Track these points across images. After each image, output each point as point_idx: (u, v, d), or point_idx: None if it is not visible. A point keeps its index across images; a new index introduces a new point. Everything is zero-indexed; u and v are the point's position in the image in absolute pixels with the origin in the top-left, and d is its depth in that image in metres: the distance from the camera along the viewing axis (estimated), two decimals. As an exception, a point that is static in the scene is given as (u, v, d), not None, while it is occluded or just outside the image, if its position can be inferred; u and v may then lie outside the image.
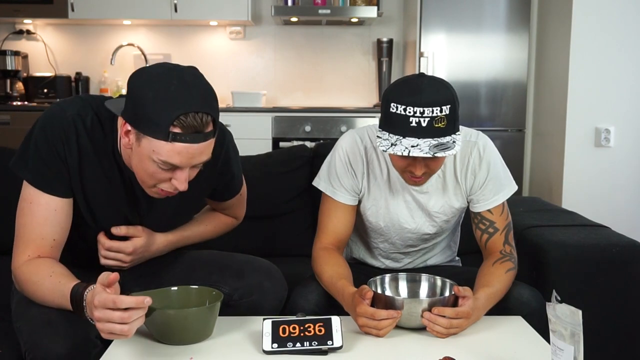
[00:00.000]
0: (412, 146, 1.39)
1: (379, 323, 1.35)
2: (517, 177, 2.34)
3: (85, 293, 1.24)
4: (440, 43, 4.05)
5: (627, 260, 1.91)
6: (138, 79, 1.29)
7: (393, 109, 1.42)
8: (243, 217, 1.80)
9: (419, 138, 1.39)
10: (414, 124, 1.39)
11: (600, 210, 3.41)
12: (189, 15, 4.28)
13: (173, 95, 1.24)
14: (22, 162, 1.39)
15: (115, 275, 1.19)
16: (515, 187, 1.66)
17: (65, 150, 1.38)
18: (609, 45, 3.51)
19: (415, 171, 1.48)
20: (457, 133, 1.44)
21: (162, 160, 1.28)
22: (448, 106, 1.41)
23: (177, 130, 1.25)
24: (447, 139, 1.41)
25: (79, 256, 1.52)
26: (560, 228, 2.08)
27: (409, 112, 1.40)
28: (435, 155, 1.38)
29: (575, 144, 3.59)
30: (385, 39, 4.53)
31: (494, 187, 1.62)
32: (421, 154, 1.38)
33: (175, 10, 4.23)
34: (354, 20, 4.50)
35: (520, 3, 4.02)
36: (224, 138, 1.56)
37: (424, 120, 1.39)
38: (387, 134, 1.43)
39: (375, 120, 4.16)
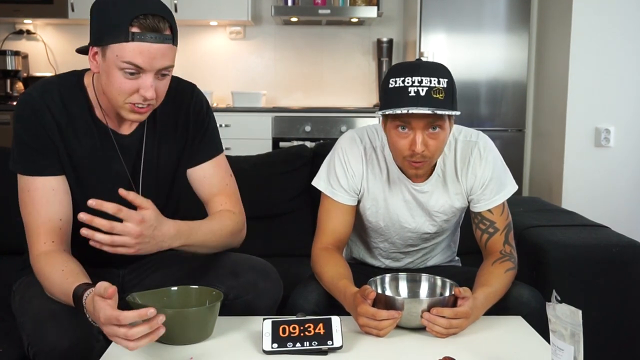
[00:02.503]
0: (412, 107, 1.42)
1: (379, 323, 1.35)
2: (517, 177, 2.34)
3: (85, 296, 1.23)
4: (440, 43, 4.05)
5: (627, 260, 1.91)
6: (95, 2, 1.39)
7: (392, 84, 1.46)
8: (243, 214, 1.66)
9: (417, 107, 1.43)
10: (412, 93, 1.43)
11: (600, 210, 3.41)
12: (189, 15, 4.28)
13: (129, 1, 1.34)
14: (13, 159, 1.45)
15: (114, 289, 1.18)
16: (515, 187, 1.66)
17: (45, 128, 1.43)
18: (609, 45, 3.51)
19: (415, 148, 1.47)
20: (455, 110, 1.47)
21: (126, 61, 1.33)
22: (446, 80, 1.45)
23: (135, 29, 1.32)
24: (445, 110, 1.44)
25: (78, 254, 1.50)
26: (560, 228, 2.08)
27: (408, 83, 1.43)
28: (435, 112, 1.41)
29: (575, 144, 3.59)
30: (385, 39, 4.53)
31: (494, 187, 1.62)
32: (421, 111, 1.41)
33: (175, 10, 4.23)
34: (354, 20, 4.50)
35: (520, 3, 4.02)
36: (192, 91, 1.61)
37: (422, 90, 1.43)
38: (386, 110, 1.47)
39: (375, 121, 4.16)
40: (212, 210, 1.65)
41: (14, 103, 4.38)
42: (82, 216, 1.24)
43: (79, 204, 1.47)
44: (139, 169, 1.52)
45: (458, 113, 1.46)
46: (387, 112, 1.45)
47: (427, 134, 1.47)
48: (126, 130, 1.52)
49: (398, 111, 1.42)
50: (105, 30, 1.34)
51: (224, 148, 1.67)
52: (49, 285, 1.35)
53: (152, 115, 1.52)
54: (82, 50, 1.46)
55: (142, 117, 1.43)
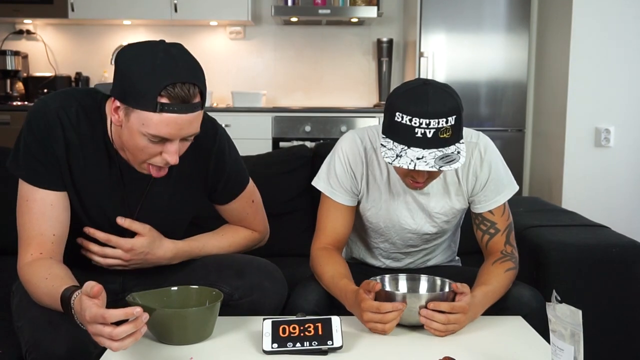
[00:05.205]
0: (418, 158, 1.38)
1: (384, 316, 1.35)
2: (517, 177, 2.34)
3: (73, 298, 1.22)
4: (440, 43, 4.05)
5: (627, 260, 1.91)
6: (124, 54, 1.32)
7: (398, 118, 1.41)
8: (266, 231, 1.73)
9: (423, 149, 1.39)
10: (419, 134, 1.39)
11: (600, 210, 3.41)
12: (189, 16, 4.28)
13: (159, 67, 1.26)
14: (15, 161, 1.41)
15: (99, 287, 1.16)
16: (516, 188, 1.66)
17: (53, 143, 1.40)
18: (609, 45, 3.51)
19: (417, 178, 1.49)
20: (461, 141, 1.45)
21: (152, 134, 1.29)
22: (454, 117, 1.41)
23: (164, 100, 1.26)
24: (452, 148, 1.41)
25: (78, 256, 1.51)
26: (560, 228, 2.08)
27: (415, 123, 1.39)
28: (441, 169, 1.39)
29: (575, 144, 3.59)
30: (385, 39, 4.53)
31: (495, 188, 1.62)
32: (427, 168, 1.38)
33: (175, 10, 4.23)
34: (354, 20, 4.50)
35: (520, 3, 4.02)
36: (215, 133, 1.56)
37: (430, 132, 1.39)
38: (392, 142, 1.43)
39: (375, 121, 4.16)
40: (235, 225, 1.71)
41: (14, 103, 4.39)
42: (79, 241, 1.46)
43: (81, 218, 1.47)
44: (139, 202, 1.50)
45: (461, 164, 1.41)
46: (394, 163, 1.40)
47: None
48: None
49: (405, 166, 1.38)
50: (131, 93, 1.28)
51: (248, 179, 1.66)
52: (37, 293, 1.34)
53: None
54: (101, 88, 1.43)
55: (158, 175, 1.41)
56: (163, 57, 1.27)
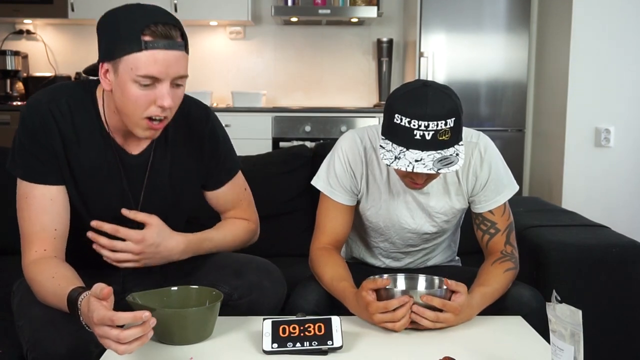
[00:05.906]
0: (416, 160, 1.38)
1: (394, 315, 1.35)
2: (517, 177, 2.33)
3: (80, 299, 1.22)
4: (440, 43, 4.05)
5: (627, 260, 1.91)
6: (102, 17, 1.37)
7: (397, 119, 1.41)
8: (258, 222, 1.75)
9: (422, 151, 1.39)
10: (418, 137, 1.39)
11: (600, 210, 3.41)
12: (189, 15, 4.28)
13: (138, 12, 1.33)
14: (12, 160, 1.42)
15: (109, 289, 1.16)
16: (516, 188, 1.66)
17: (48, 138, 1.40)
18: (609, 45, 3.51)
19: (416, 179, 1.50)
20: (460, 143, 1.45)
21: (142, 75, 1.31)
22: (453, 119, 1.40)
23: (148, 38, 1.30)
24: (451, 150, 1.41)
25: (78, 256, 1.51)
26: (560, 228, 2.08)
27: (414, 125, 1.39)
28: (439, 171, 1.39)
29: (575, 144, 3.59)
30: (385, 39, 4.54)
31: (495, 188, 1.62)
32: (425, 170, 1.38)
33: (175, 10, 4.23)
34: (354, 20, 4.50)
35: (520, 3, 4.02)
36: (208, 116, 1.59)
37: (429, 134, 1.39)
38: (391, 143, 1.43)
39: (375, 121, 4.16)
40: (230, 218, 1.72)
41: (14, 103, 4.39)
42: (89, 235, 1.40)
43: (81, 214, 1.47)
44: (142, 189, 1.50)
45: (459, 167, 1.41)
46: (392, 165, 1.40)
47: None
48: (135, 149, 1.49)
49: (403, 168, 1.39)
50: (116, 43, 1.31)
51: (240, 164, 1.68)
52: (42, 292, 1.34)
53: (164, 136, 1.51)
54: (90, 70, 1.43)
55: (156, 133, 1.41)
56: (140, 6, 1.34)
